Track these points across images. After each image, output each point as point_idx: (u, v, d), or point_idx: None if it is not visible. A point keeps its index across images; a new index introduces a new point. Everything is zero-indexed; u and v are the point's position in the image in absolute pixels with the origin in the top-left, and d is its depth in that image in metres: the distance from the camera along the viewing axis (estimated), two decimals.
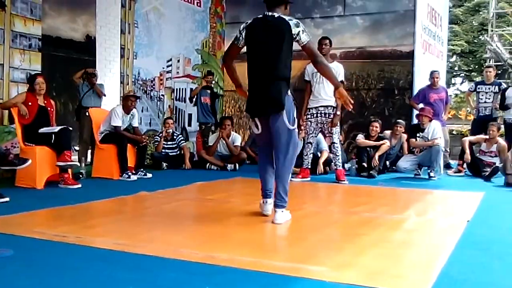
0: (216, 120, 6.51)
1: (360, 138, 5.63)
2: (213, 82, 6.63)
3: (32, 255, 2.03)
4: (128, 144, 4.79)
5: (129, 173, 4.67)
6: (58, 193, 3.78)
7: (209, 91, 6.40)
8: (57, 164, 3.96)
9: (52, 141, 4.00)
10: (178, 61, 6.77)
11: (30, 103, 4.05)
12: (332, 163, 5.09)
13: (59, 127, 4.07)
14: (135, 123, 5.04)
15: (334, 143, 4.83)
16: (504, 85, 6.32)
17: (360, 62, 6.93)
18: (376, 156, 5.40)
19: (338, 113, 4.79)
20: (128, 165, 4.74)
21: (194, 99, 6.37)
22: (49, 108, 4.18)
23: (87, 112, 5.14)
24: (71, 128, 4.18)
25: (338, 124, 4.86)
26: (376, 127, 5.58)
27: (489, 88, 6.21)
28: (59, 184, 4.00)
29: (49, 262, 1.93)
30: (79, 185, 4.01)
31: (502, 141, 5.56)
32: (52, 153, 4.03)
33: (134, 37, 6.00)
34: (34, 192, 3.80)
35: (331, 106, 4.77)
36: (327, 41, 4.82)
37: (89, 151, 5.42)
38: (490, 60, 11.69)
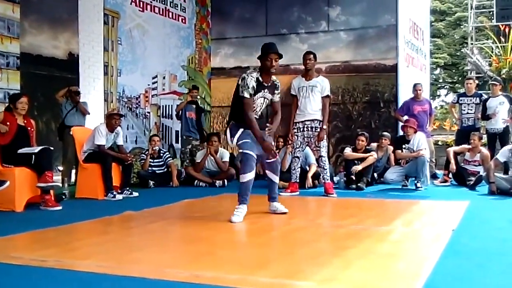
0: (202, 135, 6.47)
1: (348, 151, 5.66)
2: (198, 96, 6.59)
3: (6, 281, 1.94)
4: (113, 163, 4.71)
5: (114, 193, 4.58)
6: (39, 215, 3.67)
7: (194, 106, 6.34)
8: (38, 186, 3.86)
9: (33, 162, 3.91)
10: (164, 77, 6.77)
11: (8, 123, 3.96)
12: (321, 177, 5.09)
13: (39, 147, 3.98)
14: (120, 141, 4.98)
15: (321, 156, 4.84)
16: (484, 96, 6.46)
17: (345, 76, 7.03)
18: (360, 167, 5.42)
19: (325, 127, 4.82)
20: (114, 185, 4.66)
21: (179, 114, 6.33)
22: (29, 128, 4.10)
23: (70, 131, 5.07)
24: (52, 148, 4.09)
25: (325, 138, 4.88)
26: (363, 140, 5.62)
27: (470, 100, 6.33)
28: (40, 206, 3.89)
29: None
30: (60, 207, 3.91)
31: (485, 150, 5.66)
32: (32, 174, 3.93)
33: (117, 54, 5.98)
34: (13, 215, 3.68)
35: (317, 120, 4.80)
36: (311, 55, 4.88)
37: (73, 171, 5.32)
38: (471, 72, 11.99)
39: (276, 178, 3.55)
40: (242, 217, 3.27)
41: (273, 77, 3.46)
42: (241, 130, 3.36)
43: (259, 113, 3.45)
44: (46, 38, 5.45)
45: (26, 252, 2.43)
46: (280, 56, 3.35)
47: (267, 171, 3.55)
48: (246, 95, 3.28)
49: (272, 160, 3.49)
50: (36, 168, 3.91)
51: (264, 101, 3.43)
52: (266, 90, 3.41)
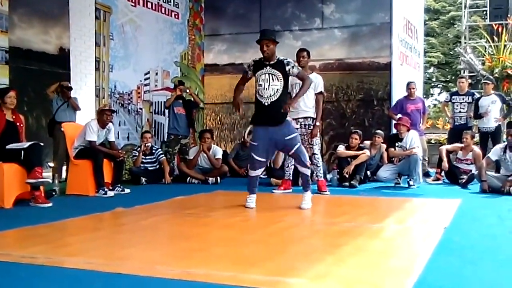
0: (194, 131, 6.37)
1: (341, 149, 5.66)
2: (188, 90, 6.43)
3: None
4: (105, 159, 4.66)
5: (106, 189, 4.53)
6: (29, 212, 3.62)
7: (181, 101, 6.17)
8: (27, 182, 3.80)
9: (22, 158, 3.84)
10: (156, 74, 6.70)
11: None
12: (314, 174, 5.08)
13: (29, 143, 3.92)
14: (111, 138, 4.92)
15: (314, 154, 4.83)
16: (477, 95, 6.49)
17: (339, 73, 7.03)
18: (352, 166, 5.43)
19: (318, 124, 4.81)
20: (105, 181, 4.61)
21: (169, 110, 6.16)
22: (18, 123, 4.03)
23: (61, 127, 5.00)
24: (42, 144, 4.03)
25: (318, 135, 4.88)
26: (356, 138, 5.63)
27: (463, 99, 6.37)
28: (30, 203, 3.83)
29: (12, 286, 1.82)
30: (50, 204, 3.85)
31: (477, 149, 5.70)
32: (21, 170, 3.87)
33: (109, 49, 5.90)
34: (1, 212, 3.63)
35: (310, 117, 4.79)
36: (305, 53, 4.87)
37: (64, 167, 5.26)
38: (464, 71, 12.06)
39: (303, 169, 3.76)
40: (254, 202, 3.72)
41: (282, 57, 3.74)
42: (251, 126, 3.85)
43: (270, 88, 3.63)
44: (36, 32, 5.34)
45: (15, 249, 2.40)
46: (272, 40, 3.64)
47: (295, 164, 3.93)
48: (245, 71, 3.81)
49: (292, 151, 3.70)
50: (25, 164, 3.85)
51: (270, 76, 3.64)
52: (269, 67, 3.68)
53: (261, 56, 3.70)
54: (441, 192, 5.01)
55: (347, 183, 5.35)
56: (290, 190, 4.88)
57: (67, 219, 3.22)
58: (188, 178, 5.78)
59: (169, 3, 6.93)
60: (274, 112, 3.61)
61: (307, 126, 4.79)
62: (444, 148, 5.85)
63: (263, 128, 3.65)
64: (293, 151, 3.67)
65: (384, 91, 6.85)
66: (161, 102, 6.71)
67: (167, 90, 6.68)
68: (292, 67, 3.68)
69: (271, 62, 3.67)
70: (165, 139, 6.23)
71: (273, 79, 3.62)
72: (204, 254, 2.29)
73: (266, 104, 3.61)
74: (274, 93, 3.60)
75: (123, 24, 6.10)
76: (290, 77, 4.88)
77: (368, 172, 5.80)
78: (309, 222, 3.27)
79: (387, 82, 6.81)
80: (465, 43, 13.21)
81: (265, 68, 3.66)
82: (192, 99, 6.38)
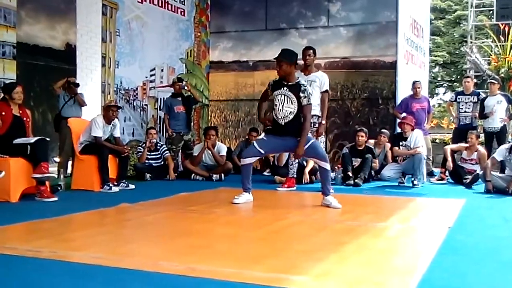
0: (199, 128, 6.36)
1: (346, 150, 5.66)
2: (186, 88, 6.37)
3: (0, 272, 1.93)
4: (110, 155, 4.69)
5: (111, 185, 4.56)
6: (34, 206, 3.66)
7: (180, 99, 6.14)
8: (33, 176, 3.83)
9: (28, 152, 3.87)
10: (162, 70, 6.72)
11: (3, 113, 3.92)
12: (318, 172, 5.08)
13: (35, 138, 3.95)
14: (117, 133, 4.95)
15: None
16: (482, 95, 6.45)
17: (344, 72, 7.01)
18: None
19: (323, 122, 4.81)
20: (110, 177, 4.64)
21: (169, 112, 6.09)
22: (24, 118, 4.06)
23: (67, 122, 5.03)
24: (48, 139, 4.06)
25: (324, 133, 4.87)
26: (362, 136, 5.62)
27: (468, 98, 6.33)
28: (36, 197, 3.86)
29: (18, 279, 1.84)
30: (56, 198, 3.89)
31: (482, 149, 5.67)
32: (28, 165, 3.90)
33: (115, 45, 5.92)
34: (8, 206, 3.67)
35: (316, 115, 4.78)
36: (311, 51, 4.86)
37: (70, 163, 5.30)
38: (469, 71, 11.97)
39: (322, 163, 3.75)
40: (242, 200, 3.74)
41: (302, 81, 3.78)
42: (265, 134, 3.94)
43: (284, 110, 3.70)
44: (43, 28, 5.38)
45: (21, 242, 2.43)
46: (285, 61, 3.63)
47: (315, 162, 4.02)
48: (266, 89, 3.88)
49: (308, 145, 3.68)
50: (31, 159, 3.88)
51: (285, 98, 3.69)
52: (286, 88, 3.71)
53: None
54: (445, 192, 4.99)
55: (351, 182, 5.35)
56: (294, 188, 4.89)
57: (72, 214, 3.25)
58: (193, 174, 5.80)
59: (176, 0, 6.93)
60: (290, 132, 3.71)
61: (312, 124, 4.77)
62: (448, 148, 5.82)
63: (280, 136, 3.75)
64: (308, 145, 3.67)
65: (389, 90, 6.82)
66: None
67: (172, 86, 6.70)
68: (305, 96, 3.67)
69: (289, 83, 3.70)
70: (168, 138, 6.24)
71: (287, 101, 3.67)
72: (207, 251, 2.30)
73: (281, 123, 3.72)
74: (288, 115, 3.68)
75: (129, 20, 6.11)
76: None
77: (372, 171, 5.79)
78: (313, 220, 3.27)
79: (392, 81, 6.78)
80: (471, 42, 13.12)
81: (282, 89, 3.70)
82: (191, 95, 6.38)
